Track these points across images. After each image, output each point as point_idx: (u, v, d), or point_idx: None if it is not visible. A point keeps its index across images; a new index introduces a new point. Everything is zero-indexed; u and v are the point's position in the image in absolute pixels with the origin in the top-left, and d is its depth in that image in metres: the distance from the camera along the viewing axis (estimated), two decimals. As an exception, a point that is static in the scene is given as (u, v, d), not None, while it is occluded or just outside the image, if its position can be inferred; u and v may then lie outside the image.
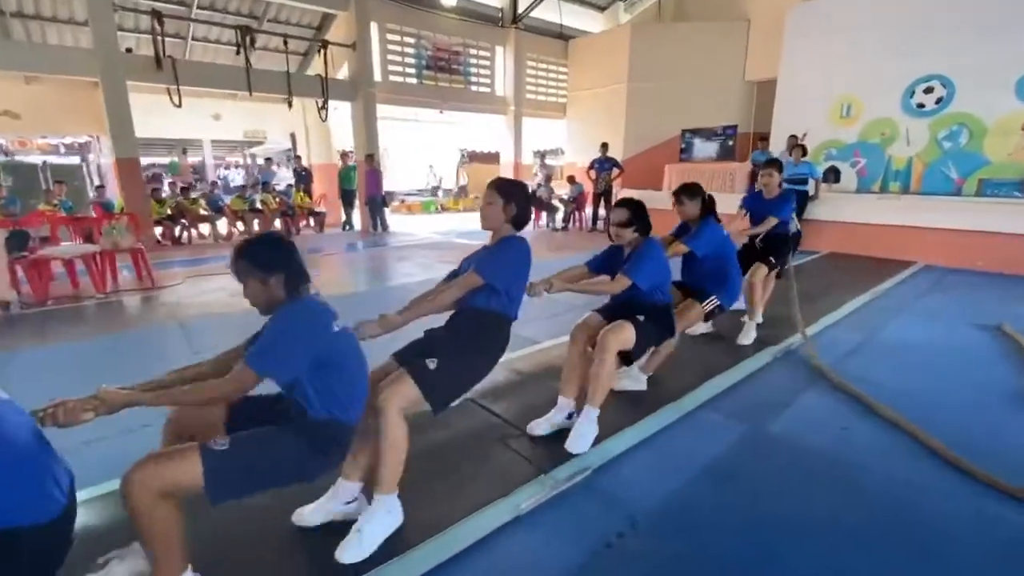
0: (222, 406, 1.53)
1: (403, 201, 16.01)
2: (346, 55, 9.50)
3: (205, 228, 9.45)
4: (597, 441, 2.22)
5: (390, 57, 10.04)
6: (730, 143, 9.53)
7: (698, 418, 2.51)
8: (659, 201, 9.66)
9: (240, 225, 9.39)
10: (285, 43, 8.55)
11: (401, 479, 1.68)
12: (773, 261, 3.68)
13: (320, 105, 9.24)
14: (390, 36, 9.95)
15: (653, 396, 2.72)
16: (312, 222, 10.32)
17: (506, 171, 12.73)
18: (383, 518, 1.65)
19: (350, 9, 9.09)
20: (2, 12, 7.90)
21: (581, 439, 2.17)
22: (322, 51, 8.96)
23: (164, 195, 9.18)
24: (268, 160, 11.58)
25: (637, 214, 2.37)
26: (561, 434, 2.24)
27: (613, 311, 2.43)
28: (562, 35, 12.71)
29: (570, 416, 2.32)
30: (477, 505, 1.81)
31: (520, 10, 11.38)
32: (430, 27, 10.41)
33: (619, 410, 2.48)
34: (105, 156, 10.17)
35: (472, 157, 18.17)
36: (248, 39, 8.05)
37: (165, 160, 22.50)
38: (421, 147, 16.74)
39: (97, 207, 8.78)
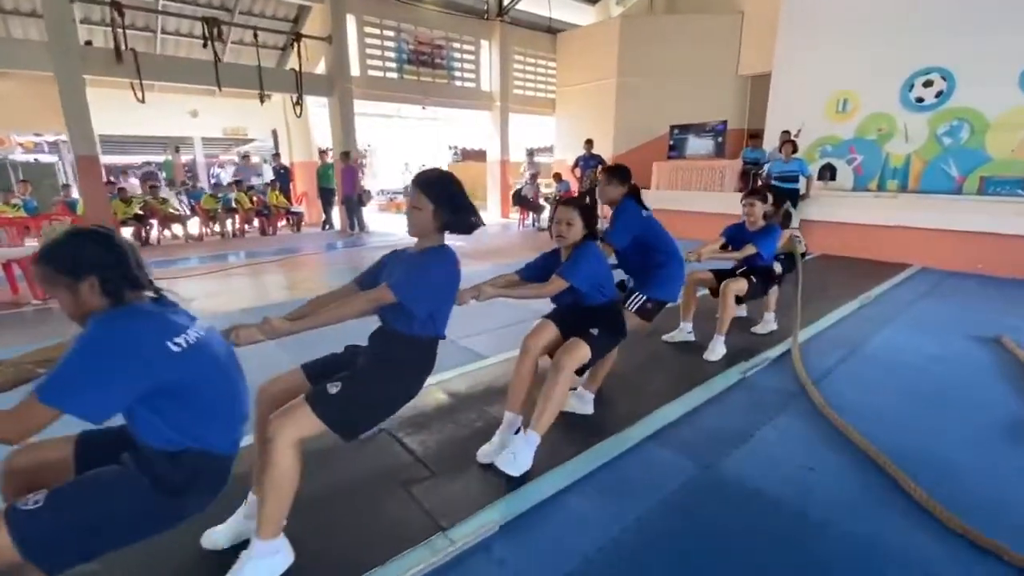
0: (70, 443, 1.29)
1: (392, 199, 15.72)
2: (322, 49, 9.16)
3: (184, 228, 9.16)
4: (517, 484, 1.89)
5: (369, 51, 9.69)
6: (720, 140, 9.14)
7: (642, 455, 2.16)
8: (647, 200, 9.37)
9: (215, 226, 9.07)
10: (255, 36, 8.20)
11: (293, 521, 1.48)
12: (755, 280, 3.35)
13: (295, 101, 8.88)
14: (369, 29, 9.60)
15: (596, 423, 2.38)
16: (289, 221, 9.99)
17: (493, 169, 12.39)
18: (262, 566, 1.41)
19: (325, 1, 8.74)
20: None
21: (514, 462, 1.93)
22: (295, 44, 8.61)
23: (131, 195, 8.83)
24: (246, 157, 11.25)
25: (584, 214, 2.20)
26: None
27: (564, 317, 2.26)
28: (551, 29, 12.33)
29: (517, 432, 2.11)
30: (360, 567, 1.52)
31: (506, 2, 11.01)
32: (411, 19, 10.05)
33: (552, 443, 2.14)
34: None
35: (465, 155, 17.83)
36: (216, 31, 7.69)
37: (161, 158, 22.35)
38: (410, 144, 16.39)
39: (62, 207, 8.49)
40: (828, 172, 9.15)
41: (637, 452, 2.17)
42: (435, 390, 2.72)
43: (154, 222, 8.67)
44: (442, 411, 2.53)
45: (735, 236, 3.50)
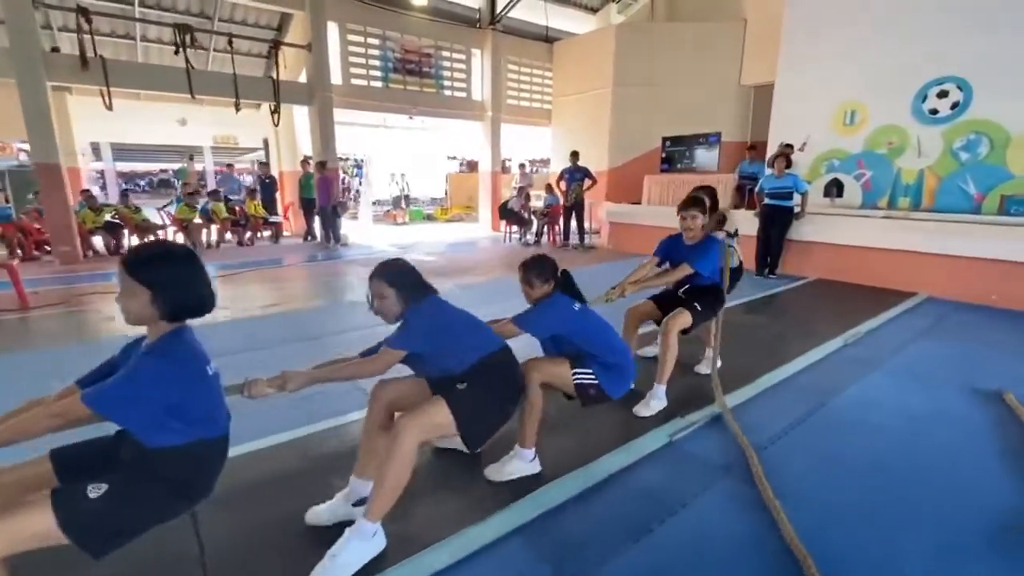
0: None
1: (389, 211, 15.45)
2: (303, 57, 8.93)
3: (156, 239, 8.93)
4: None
5: (352, 59, 9.44)
6: (714, 152, 8.58)
7: (500, 554, 1.66)
8: (639, 215, 8.88)
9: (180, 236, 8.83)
10: (230, 43, 7.98)
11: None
12: (699, 308, 2.83)
13: (272, 109, 8.64)
14: (352, 37, 9.35)
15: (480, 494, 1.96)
16: (265, 233, 9.72)
17: (484, 180, 12.01)
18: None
19: (306, 9, 8.52)
20: None
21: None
22: (273, 52, 8.39)
23: (101, 204, 8.64)
24: (229, 166, 11.08)
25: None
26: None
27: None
28: (548, 38, 11.97)
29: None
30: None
31: (499, 10, 10.69)
32: (398, 27, 9.78)
33: (421, 518, 1.76)
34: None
35: (471, 166, 17.51)
36: (189, 38, 7.49)
37: (177, 165, 22.71)
38: (407, 155, 16.14)
39: (35, 214, 8.36)
40: (835, 188, 8.50)
41: (495, 553, 1.67)
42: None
43: (124, 231, 8.45)
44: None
45: (670, 253, 3.00)
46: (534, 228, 9.96)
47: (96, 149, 19.77)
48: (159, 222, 9.16)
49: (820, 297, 5.46)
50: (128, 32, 8.90)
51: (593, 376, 2.10)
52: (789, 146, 7.54)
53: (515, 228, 9.98)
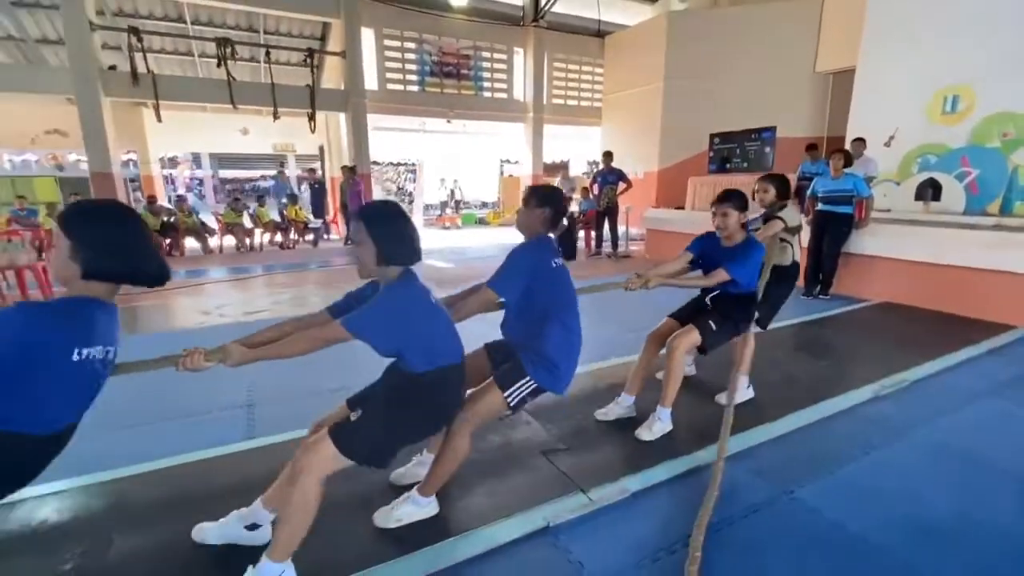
0: None
1: (440, 216, 15.49)
2: (342, 66, 9.06)
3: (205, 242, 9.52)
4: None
5: (388, 64, 9.43)
6: (767, 150, 7.45)
7: None
8: (678, 222, 7.91)
9: (230, 239, 9.30)
10: (267, 54, 8.26)
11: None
12: (714, 327, 2.45)
13: (309, 116, 8.85)
14: (388, 42, 9.34)
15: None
16: (308, 237, 10.00)
17: (525, 183, 11.54)
18: None
19: (340, 16, 8.62)
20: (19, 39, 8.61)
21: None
22: (308, 61, 8.57)
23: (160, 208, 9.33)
24: (281, 172, 11.61)
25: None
26: (603, 452, 2.25)
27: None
28: (599, 32, 11.26)
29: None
30: (511, 511, 1.82)
31: (543, 5, 10.19)
32: (435, 30, 9.64)
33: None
34: (135, 169, 10.80)
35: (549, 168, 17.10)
36: (230, 51, 7.85)
37: (273, 171, 24.82)
38: (458, 160, 16.11)
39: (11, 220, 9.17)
40: (930, 190, 7.03)
41: None
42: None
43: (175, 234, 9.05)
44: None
45: (706, 251, 2.61)
46: (572, 234, 9.30)
47: (197, 158, 22.01)
48: (214, 226, 9.75)
49: (876, 327, 4.36)
50: (188, 49, 9.58)
51: (530, 381, 1.85)
52: (860, 140, 6.30)
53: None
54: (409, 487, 1.86)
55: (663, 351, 2.52)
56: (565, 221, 2.07)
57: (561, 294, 1.94)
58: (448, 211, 15.57)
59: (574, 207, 9.45)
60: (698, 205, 7.79)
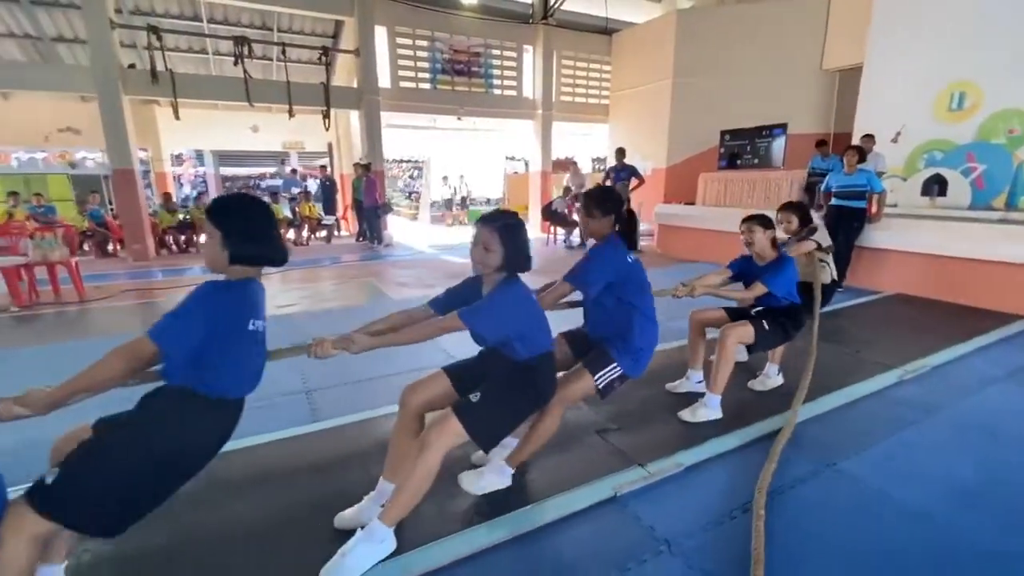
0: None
1: (447, 212, 15.61)
2: (355, 64, 9.15)
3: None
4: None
5: (401, 62, 9.53)
6: (776, 146, 7.59)
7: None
8: (689, 218, 8.08)
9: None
10: (283, 52, 8.36)
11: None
12: (766, 327, 2.62)
13: (324, 114, 8.95)
14: (400, 40, 9.44)
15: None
16: (320, 233, 10.12)
17: (533, 180, 11.67)
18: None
19: (354, 15, 8.71)
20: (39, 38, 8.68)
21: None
22: (323, 59, 8.67)
23: (176, 206, 9.43)
24: (293, 171, 11.69)
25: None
26: (652, 430, 2.43)
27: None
28: (607, 30, 11.37)
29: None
30: (578, 482, 1.98)
31: (552, 3, 10.30)
32: (446, 28, 9.73)
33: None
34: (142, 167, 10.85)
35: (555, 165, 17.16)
36: (247, 49, 7.93)
37: (273, 169, 24.88)
38: (466, 157, 16.21)
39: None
40: (936, 186, 7.21)
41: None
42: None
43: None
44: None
45: (744, 271, 2.82)
46: (577, 231, 9.45)
47: (200, 155, 22.03)
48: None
49: (892, 317, 4.53)
50: (203, 47, 9.65)
51: (616, 367, 2.04)
52: (870, 137, 6.45)
53: (561, 230, 9.55)
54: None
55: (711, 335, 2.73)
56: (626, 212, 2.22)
57: (639, 286, 2.14)
58: (454, 208, 15.69)
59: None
60: (709, 201, 7.95)
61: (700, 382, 2.80)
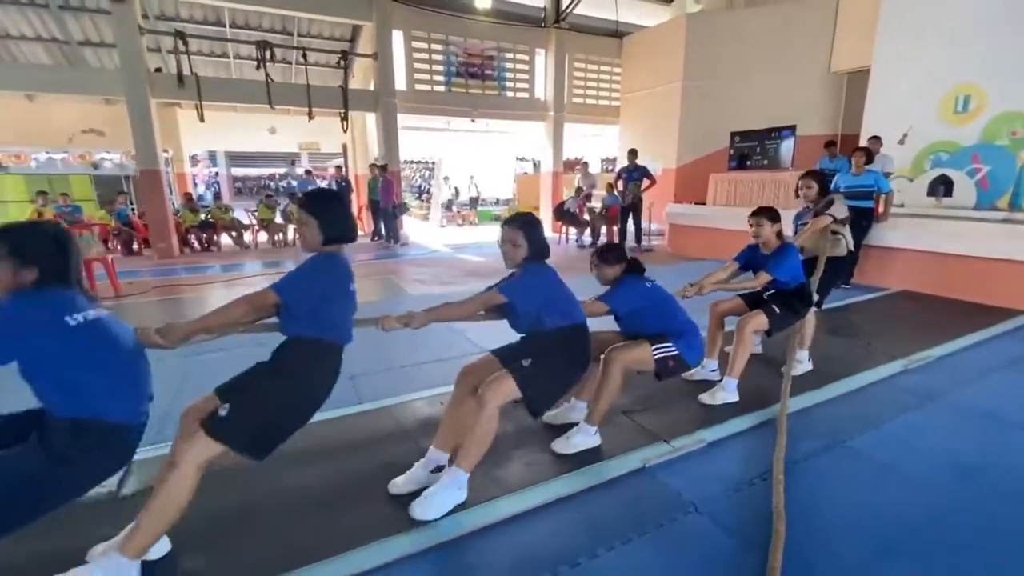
0: None
1: (458, 211, 15.83)
2: (371, 67, 9.39)
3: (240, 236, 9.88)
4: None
5: (416, 65, 9.76)
6: (786, 147, 7.76)
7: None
8: (700, 217, 8.25)
9: (262, 235, 9.66)
10: (304, 56, 8.60)
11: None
12: (778, 311, 2.82)
13: (342, 116, 9.18)
14: (416, 44, 9.67)
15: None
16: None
17: (545, 181, 11.88)
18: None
19: (372, 19, 8.95)
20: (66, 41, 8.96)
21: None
22: (341, 62, 8.91)
23: (198, 206, 9.71)
24: (308, 172, 11.95)
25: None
26: (674, 412, 2.67)
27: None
28: (617, 33, 11.58)
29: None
30: (610, 455, 2.22)
31: (564, 7, 10.51)
32: (461, 32, 9.96)
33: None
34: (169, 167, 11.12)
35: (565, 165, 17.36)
36: (269, 53, 8.18)
37: (282, 170, 25.24)
38: (476, 158, 16.43)
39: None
40: (942, 186, 7.37)
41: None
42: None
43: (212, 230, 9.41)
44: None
45: (750, 260, 3.00)
46: (592, 230, 9.64)
47: (213, 156, 22.36)
48: (247, 222, 10.11)
49: (898, 312, 4.71)
50: (224, 51, 9.92)
51: (672, 348, 2.31)
52: (877, 138, 6.61)
53: (574, 230, 9.76)
54: (561, 427, 2.40)
55: (729, 328, 2.94)
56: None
57: (665, 304, 2.44)
58: (454, 208, 15.91)
59: (596, 203, 9.79)
60: (719, 201, 8.13)
61: (714, 371, 3.02)
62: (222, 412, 1.51)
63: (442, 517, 1.79)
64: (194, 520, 1.59)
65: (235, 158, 22.60)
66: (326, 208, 1.71)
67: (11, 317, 1.32)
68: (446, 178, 15.20)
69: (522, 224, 2.02)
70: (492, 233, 12.18)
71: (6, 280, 1.36)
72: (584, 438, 2.27)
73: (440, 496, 1.81)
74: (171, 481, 1.44)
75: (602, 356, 2.30)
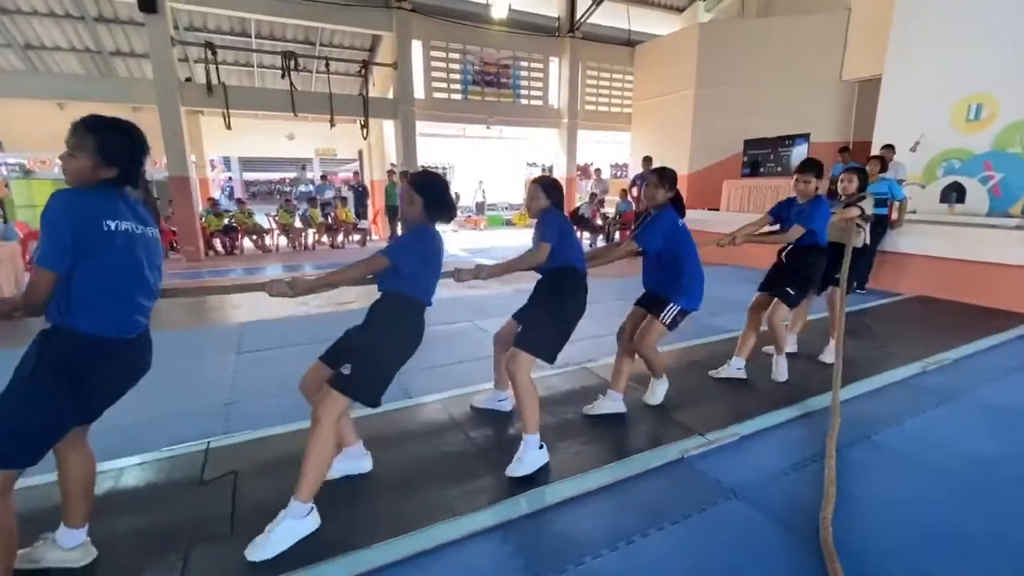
0: None
1: (469, 217, 16.05)
2: (390, 75, 9.64)
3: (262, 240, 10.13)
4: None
5: (435, 74, 10.00)
6: (797, 154, 7.91)
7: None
8: (711, 223, 8.38)
9: (283, 239, 9.89)
10: (327, 65, 8.85)
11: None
12: (792, 292, 3.08)
13: (362, 124, 9.42)
14: (435, 53, 9.91)
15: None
16: (355, 236, 10.59)
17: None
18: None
19: (393, 30, 9.20)
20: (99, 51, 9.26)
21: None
22: (362, 71, 9.15)
23: (222, 210, 9.96)
24: (324, 177, 12.19)
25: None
26: (706, 407, 2.86)
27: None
28: (630, 42, 11.78)
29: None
30: (650, 445, 2.44)
31: (578, 17, 10.73)
32: (478, 41, 10.20)
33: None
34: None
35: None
36: (294, 63, 8.44)
37: (293, 174, 25.61)
38: (488, 163, 16.67)
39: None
40: (954, 193, 7.49)
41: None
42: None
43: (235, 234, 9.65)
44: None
45: (781, 213, 3.19)
46: (607, 235, 9.82)
47: (226, 161, 22.76)
48: (268, 226, 10.36)
49: (914, 316, 4.84)
50: (248, 60, 10.20)
51: (674, 306, 2.63)
52: (890, 147, 6.74)
53: (587, 234, 9.93)
54: (599, 417, 2.71)
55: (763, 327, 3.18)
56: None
57: (688, 244, 2.66)
58: (471, 214, 16.13)
59: (610, 208, 9.97)
60: (732, 207, 8.29)
61: (740, 368, 3.18)
62: (345, 371, 1.77)
63: (524, 487, 2.07)
64: (264, 500, 1.79)
65: (247, 162, 23.01)
66: (432, 190, 1.98)
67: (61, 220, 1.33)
68: (479, 181, 15.44)
69: (544, 183, 2.38)
70: (502, 238, 12.44)
71: (84, 174, 1.41)
72: (612, 403, 2.67)
73: (527, 457, 2.14)
74: (317, 435, 1.73)
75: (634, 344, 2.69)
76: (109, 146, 1.42)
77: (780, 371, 3.16)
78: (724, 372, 3.20)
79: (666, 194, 2.65)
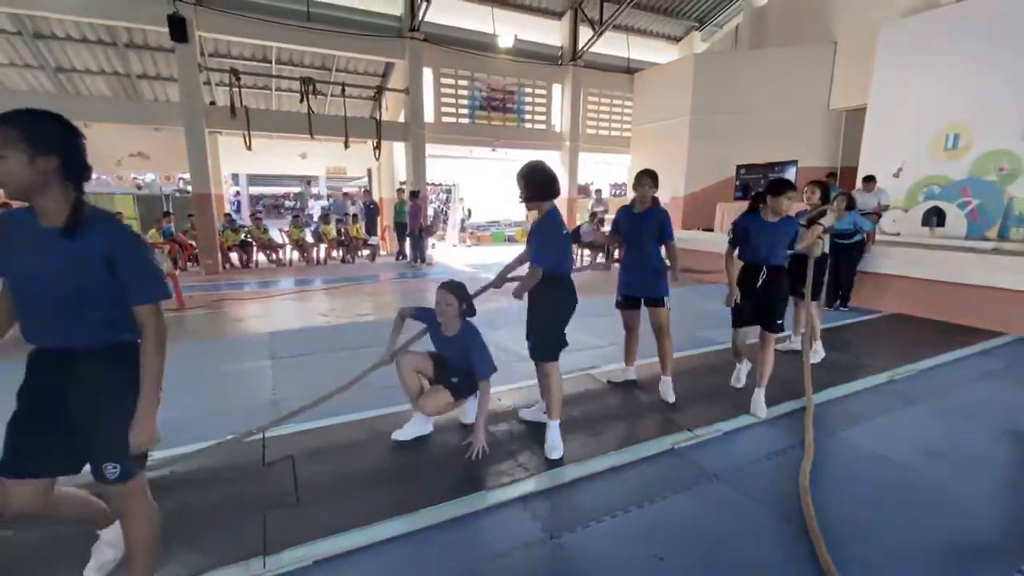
0: None
1: (472, 233, 16.51)
2: (401, 99, 10.17)
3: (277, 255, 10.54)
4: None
5: (444, 99, 10.53)
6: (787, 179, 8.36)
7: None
8: (704, 243, 8.83)
9: (295, 253, 10.31)
10: (343, 90, 9.37)
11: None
12: (780, 323, 3.18)
13: (374, 145, 9.91)
14: (444, 80, 10.46)
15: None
16: (365, 252, 11.01)
17: (560, 206, 12.51)
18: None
19: (406, 57, 9.74)
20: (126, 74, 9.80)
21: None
22: (376, 96, 9.67)
23: (239, 226, 10.40)
24: (345, 194, 12.66)
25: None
26: (694, 408, 3.26)
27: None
28: (629, 69, 12.38)
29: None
30: (644, 438, 2.87)
31: (580, 46, 11.33)
32: (485, 69, 10.76)
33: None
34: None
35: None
36: (312, 88, 8.94)
37: (298, 189, 26.14)
38: (488, 181, 17.22)
39: (179, 235, 10.23)
40: (935, 217, 7.96)
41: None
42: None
43: (251, 248, 10.07)
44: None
45: (748, 234, 3.27)
46: (607, 253, 10.24)
47: (234, 176, 23.37)
48: (280, 240, 10.79)
49: (889, 332, 5.23)
50: (266, 84, 10.74)
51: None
52: (871, 179, 7.16)
53: (587, 252, 10.35)
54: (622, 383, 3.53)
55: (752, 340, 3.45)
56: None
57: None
58: (472, 229, 16.61)
59: (607, 228, 10.41)
60: (726, 228, 8.72)
61: (751, 371, 3.50)
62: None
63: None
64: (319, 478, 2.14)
65: (253, 178, 23.59)
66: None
67: None
68: (461, 199, 15.90)
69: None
70: (505, 254, 12.88)
71: (23, 174, 1.22)
72: (623, 372, 3.48)
73: (556, 442, 2.61)
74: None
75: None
76: (37, 133, 1.24)
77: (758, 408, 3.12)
78: (740, 375, 3.54)
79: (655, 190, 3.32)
